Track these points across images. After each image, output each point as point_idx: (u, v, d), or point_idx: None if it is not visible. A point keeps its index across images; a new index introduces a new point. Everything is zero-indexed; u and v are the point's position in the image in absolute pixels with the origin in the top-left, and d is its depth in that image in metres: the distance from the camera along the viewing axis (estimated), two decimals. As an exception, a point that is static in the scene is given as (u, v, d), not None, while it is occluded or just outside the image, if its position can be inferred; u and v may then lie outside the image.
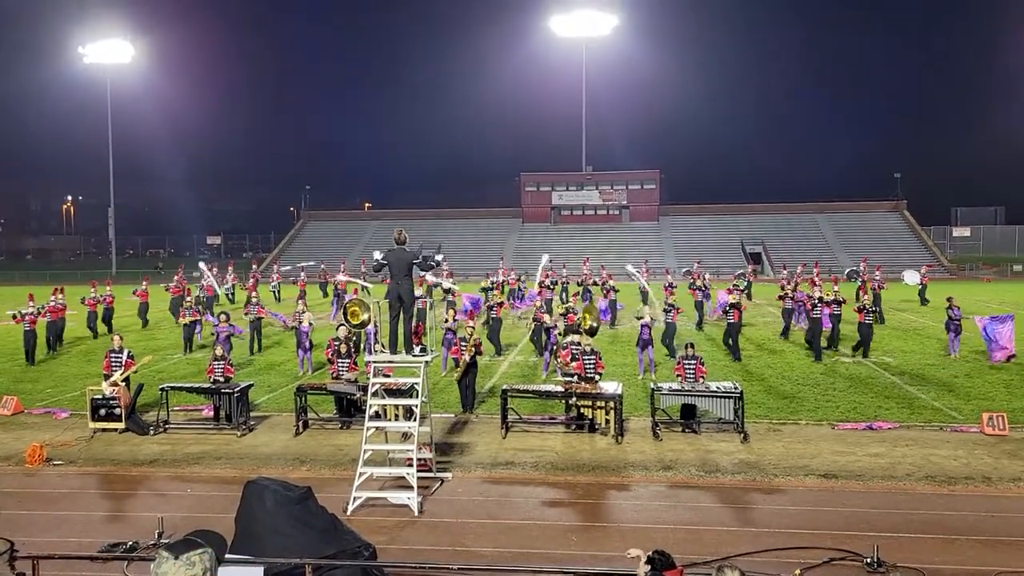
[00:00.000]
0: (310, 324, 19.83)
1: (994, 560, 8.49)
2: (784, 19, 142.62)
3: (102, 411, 14.10)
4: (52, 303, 23.24)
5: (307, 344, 19.50)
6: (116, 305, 28.03)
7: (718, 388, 13.81)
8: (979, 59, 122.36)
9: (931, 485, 10.90)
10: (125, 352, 15.12)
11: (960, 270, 59.58)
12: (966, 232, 72.25)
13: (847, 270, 47.15)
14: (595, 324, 15.83)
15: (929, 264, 35.08)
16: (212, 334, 21.63)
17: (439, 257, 12.33)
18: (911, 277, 34.08)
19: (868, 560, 8.23)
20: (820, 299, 21.47)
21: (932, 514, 9.85)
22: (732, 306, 21.21)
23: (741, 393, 13.55)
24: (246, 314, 23.49)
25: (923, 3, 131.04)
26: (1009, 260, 63.43)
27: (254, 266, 42.76)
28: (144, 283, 30.49)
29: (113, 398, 14.09)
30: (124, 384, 14.44)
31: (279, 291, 37.47)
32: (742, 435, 13.16)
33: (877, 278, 28.58)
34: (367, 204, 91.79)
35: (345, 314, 14.68)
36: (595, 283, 30.33)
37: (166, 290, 30.09)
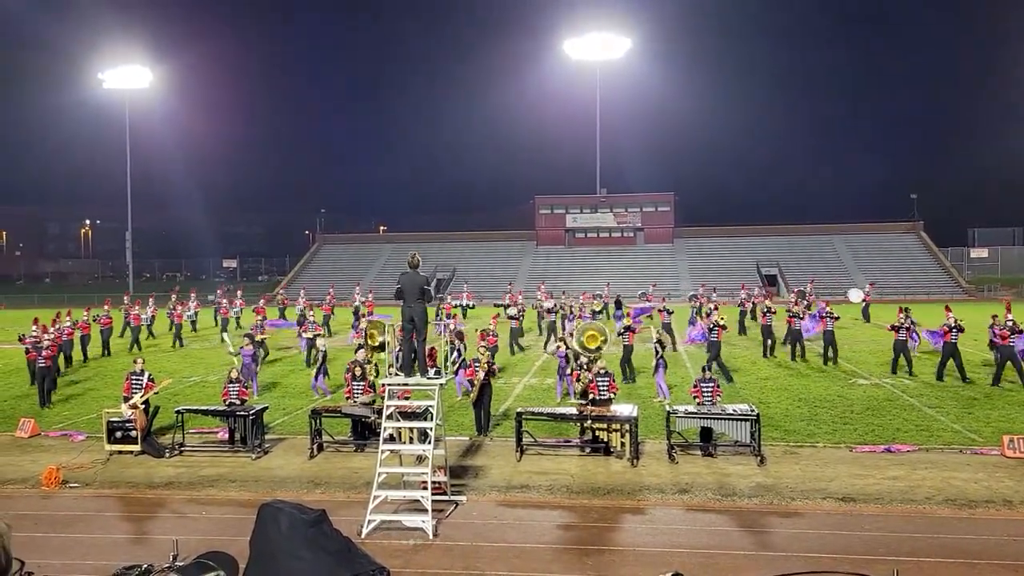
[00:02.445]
0: (323, 349, 19.86)
1: (1017, 586, 8.35)
2: (798, 41, 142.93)
3: (118, 433, 14.18)
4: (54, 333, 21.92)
5: (323, 368, 19.51)
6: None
7: (734, 411, 13.71)
8: (996, 79, 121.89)
9: (951, 508, 10.75)
10: (146, 375, 15.21)
11: (978, 291, 59.04)
12: (984, 253, 71.58)
13: (796, 290, 48.70)
14: (602, 343, 15.73)
15: (871, 283, 35.52)
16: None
17: (443, 296, 12.17)
18: (855, 295, 34.52)
19: (888, 585, 8.13)
20: (717, 324, 21.27)
21: (952, 538, 9.71)
22: (627, 328, 21.44)
23: (758, 416, 13.45)
24: (304, 332, 25.01)
25: (939, 23, 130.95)
26: (1028, 281, 62.77)
27: (300, 291, 42.56)
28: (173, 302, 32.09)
29: (129, 420, 14.17)
30: (143, 407, 14.52)
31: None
32: (759, 458, 13.05)
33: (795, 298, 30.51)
34: (382, 227, 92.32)
35: (364, 336, 14.72)
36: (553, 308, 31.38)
37: (94, 321, 28.16)
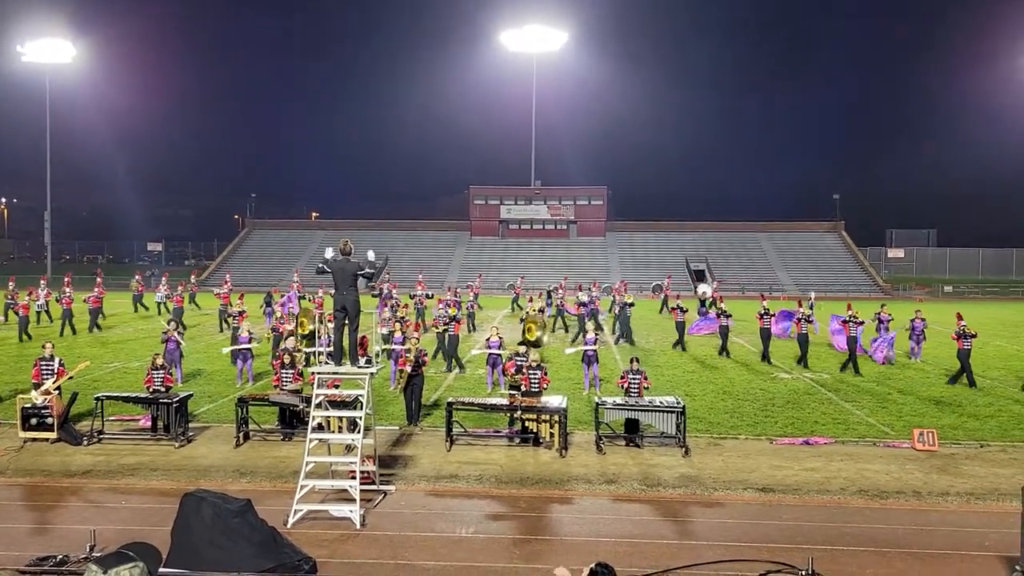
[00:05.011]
0: (248, 334, 19.41)
1: (923, 573, 8.77)
2: (729, 42, 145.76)
3: (33, 420, 13.66)
4: None
5: (246, 354, 19.11)
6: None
7: (661, 403, 13.98)
8: (918, 87, 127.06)
9: (864, 499, 11.20)
10: (56, 360, 14.64)
11: (894, 290, 61.35)
12: (900, 253, 74.58)
13: (653, 284, 52.07)
14: (541, 335, 15.90)
15: (720, 280, 36.89)
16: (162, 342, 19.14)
17: (371, 256, 11.73)
18: (704, 290, 35.68)
19: (803, 572, 8.37)
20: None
21: (865, 527, 10.12)
22: (452, 319, 22.22)
23: (683, 408, 13.74)
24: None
25: (861, 31, 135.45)
26: (941, 281, 65.54)
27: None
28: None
29: (45, 407, 13.66)
30: (57, 392, 14.01)
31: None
32: (684, 449, 13.34)
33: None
34: (314, 214, 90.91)
35: (296, 324, 14.44)
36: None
37: None
